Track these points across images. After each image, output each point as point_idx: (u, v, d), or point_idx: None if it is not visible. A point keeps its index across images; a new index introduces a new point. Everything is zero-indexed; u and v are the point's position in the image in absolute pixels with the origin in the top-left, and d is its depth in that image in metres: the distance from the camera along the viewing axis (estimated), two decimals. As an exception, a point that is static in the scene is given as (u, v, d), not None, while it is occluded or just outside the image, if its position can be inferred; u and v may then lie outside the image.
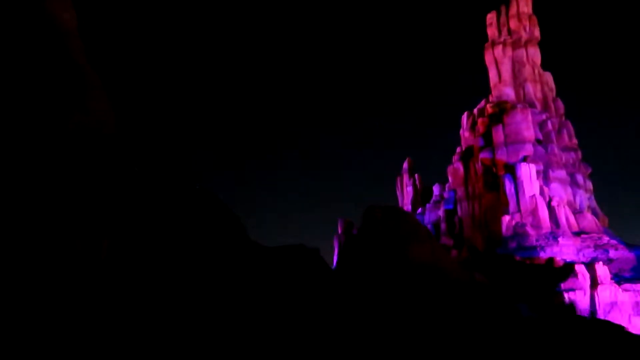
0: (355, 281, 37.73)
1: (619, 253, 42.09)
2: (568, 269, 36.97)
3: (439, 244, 35.20)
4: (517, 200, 46.05)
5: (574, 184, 50.00)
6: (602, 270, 36.03)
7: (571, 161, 51.91)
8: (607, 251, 42.31)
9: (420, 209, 61.05)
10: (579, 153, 53.28)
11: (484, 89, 60.57)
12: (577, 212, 47.35)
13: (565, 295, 34.62)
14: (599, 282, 35.34)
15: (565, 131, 53.56)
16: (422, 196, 70.23)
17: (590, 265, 36.55)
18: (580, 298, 34.66)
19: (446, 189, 62.65)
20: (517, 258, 42.56)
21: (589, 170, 54.11)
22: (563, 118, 55.71)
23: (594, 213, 49.02)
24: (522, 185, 46.00)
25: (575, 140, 53.67)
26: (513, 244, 43.89)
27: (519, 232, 44.33)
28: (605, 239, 43.85)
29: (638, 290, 36.56)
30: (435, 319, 26.90)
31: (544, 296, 36.10)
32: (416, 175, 71.81)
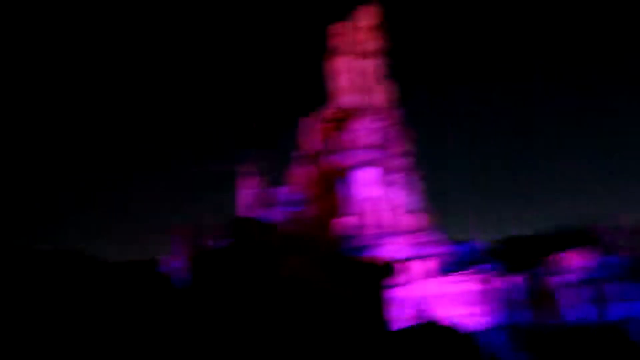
0: (218, 297, 34.85)
1: (445, 249, 44.29)
2: (400, 265, 37.58)
3: (310, 256, 33.62)
4: (354, 204, 46.55)
5: (407, 187, 52.08)
6: (431, 264, 37.22)
7: (405, 166, 54.20)
8: (435, 248, 44.25)
9: (262, 211, 59.63)
10: (413, 159, 55.92)
11: (326, 95, 61.62)
12: (409, 212, 49.16)
13: (396, 290, 34.92)
14: (428, 276, 36.35)
15: (401, 138, 55.92)
16: (264, 198, 69.07)
17: (420, 261, 37.53)
18: (410, 293, 35.25)
19: (287, 191, 62.14)
20: (354, 258, 42.62)
21: (421, 174, 56.94)
22: (401, 125, 58.26)
23: (424, 213, 51.31)
24: (361, 189, 46.78)
25: (411, 147, 56.28)
26: (349, 245, 44.00)
27: (355, 234, 44.64)
28: (433, 236, 45.95)
29: (460, 281, 38.32)
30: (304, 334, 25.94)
31: (376, 292, 36.13)
32: (259, 176, 70.67)
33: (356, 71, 58.55)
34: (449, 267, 41.73)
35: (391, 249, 42.95)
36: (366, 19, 60.58)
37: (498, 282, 38.62)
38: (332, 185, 50.26)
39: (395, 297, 34.96)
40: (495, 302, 37.74)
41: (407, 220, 47.95)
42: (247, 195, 67.13)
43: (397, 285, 35.64)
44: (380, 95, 58.42)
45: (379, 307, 34.42)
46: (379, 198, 47.30)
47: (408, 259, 38.59)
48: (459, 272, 39.46)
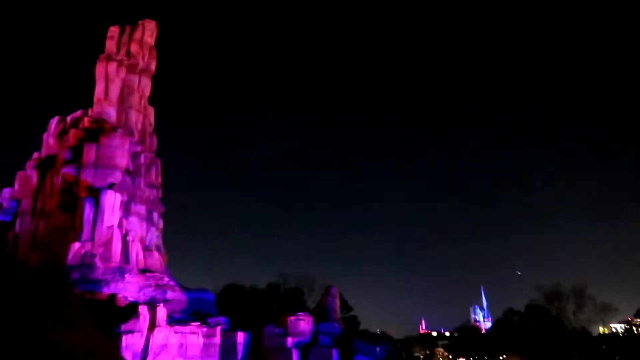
0: None
1: (175, 294, 44.34)
2: (131, 309, 36.02)
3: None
4: (92, 228, 42.78)
5: (149, 221, 50.65)
6: (161, 312, 36.76)
7: (152, 198, 52.71)
8: (165, 292, 43.92)
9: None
10: (160, 192, 54.83)
11: (86, 100, 55.91)
12: (146, 249, 47.78)
13: (124, 337, 33.29)
14: (157, 324, 35.78)
15: (154, 168, 54.39)
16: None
17: (151, 306, 36.71)
18: (137, 340, 34.02)
19: (7, 196, 53.14)
20: (78, 291, 38.84)
21: (163, 209, 56.11)
22: (154, 155, 56.63)
23: (159, 251, 50.52)
24: (103, 214, 43.27)
25: (160, 179, 55.11)
26: (77, 275, 40.04)
27: (86, 263, 40.95)
28: (166, 279, 45.59)
29: (185, 333, 38.86)
30: None
31: (105, 337, 33.72)
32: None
33: (121, 83, 55.07)
34: (177, 316, 41.95)
35: (124, 287, 40.85)
36: (145, 33, 58.15)
37: (222, 337, 40.66)
38: (71, 202, 45.08)
39: (125, 345, 33.32)
40: (217, 358, 39.53)
41: (144, 259, 46.43)
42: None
43: (127, 332, 34.03)
44: (139, 116, 56.03)
45: (114, 356, 32.24)
46: (122, 228, 44.69)
47: (142, 304, 37.35)
48: (186, 323, 40.07)
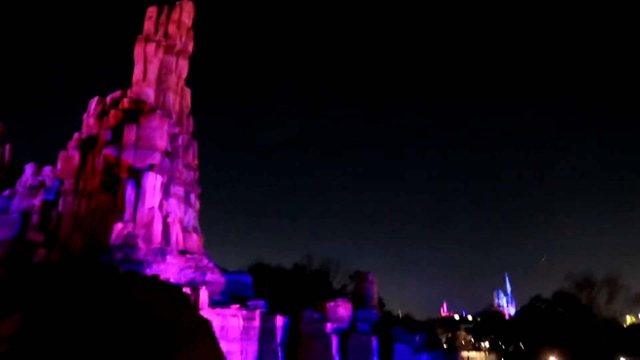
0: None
1: (214, 276, 44.68)
2: (174, 290, 36.32)
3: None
4: (134, 209, 43.18)
5: (187, 202, 50.92)
6: (204, 294, 37.07)
7: (189, 179, 52.96)
8: (205, 273, 44.27)
9: (8, 190, 50.04)
10: (197, 173, 55.07)
11: (123, 80, 56.12)
12: (185, 230, 48.13)
13: (169, 318, 33.58)
14: (200, 306, 36.11)
15: (191, 150, 54.58)
16: (8, 173, 58.47)
17: (194, 289, 37.05)
18: (181, 322, 34.28)
19: (49, 175, 54.04)
20: (122, 271, 39.35)
21: (199, 191, 56.43)
22: (191, 136, 56.78)
23: (196, 233, 50.89)
24: (145, 195, 43.59)
25: (196, 161, 55.33)
26: (120, 255, 40.50)
27: (129, 243, 41.37)
28: (205, 261, 45.93)
29: (226, 315, 39.23)
30: None
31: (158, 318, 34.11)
32: (7, 145, 59.52)
33: (159, 64, 55.02)
34: (216, 298, 42.34)
35: (165, 269, 41.31)
36: (182, 14, 57.87)
37: (262, 321, 40.98)
38: (112, 183, 45.53)
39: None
40: (257, 341, 39.90)
41: (183, 240, 46.84)
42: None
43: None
44: (177, 98, 56.08)
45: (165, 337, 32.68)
46: (162, 210, 45.06)
47: (185, 286, 37.73)
48: (226, 305, 40.40)
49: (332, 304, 42.50)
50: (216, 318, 37.63)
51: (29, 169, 57.78)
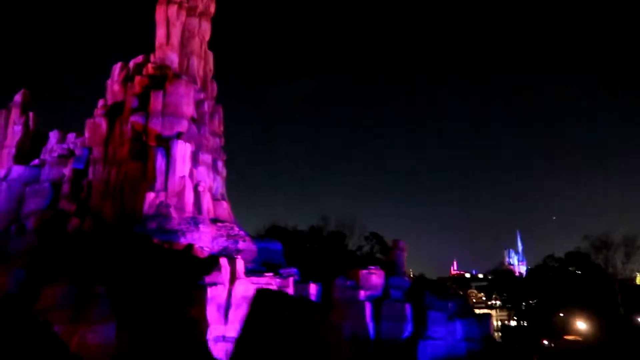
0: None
1: (246, 245, 44.90)
2: (211, 261, 36.60)
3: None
4: (165, 179, 43.02)
5: (215, 169, 50.65)
6: (240, 264, 37.28)
7: (216, 146, 52.52)
8: (237, 242, 44.48)
9: (37, 160, 49.98)
10: (223, 140, 54.53)
11: (146, 45, 54.90)
12: (214, 198, 48.09)
13: (209, 289, 34.00)
14: (237, 276, 36.39)
15: (217, 116, 53.83)
16: (32, 141, 58.25)
17: (230, 258, 37.22)
18: (220, 292, 34.73)
19: (73, 142, 53.81)
20: (156, 240, 39.63)
21: (225, 158, 56.01)
22: (215, 102, 55.93)
23: (225, 201, 50.83)
24: (175, 164, 43.30)
25: (222, 127, 54.67)
26: (153, 225, 40.60)
27: (162, 213, 41.38)
28: (236, 229, 46.07)
29: (261, 284, 39.54)
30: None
31: (186, 287, 34.59)
32: (31, 113, 59.03)
33: (182, 27, 53.65)
34: (249, 266, 42.58)
35: (199, 238, 41.48)
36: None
37: (295, 288, 41.36)
38: (141, 151, 45.24)
39: (210, 297, 34.15)
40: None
41: (213, 207, 46.86)
42: (14, 132, 55.34)
43: (211, 284, 34.77)
44: (201, 62, 54.93)
45: (198, 308, 33.20)
46: (193, 178, 44.88)
47: (222, 256, 37.93)
48: (260, 274, 40.70)
49: (364, 271, 42.71)
50: (251, 287, 37.94)
51: (53, 136, 57.57)
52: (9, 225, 44.22)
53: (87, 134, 47.56)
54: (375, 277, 42.58)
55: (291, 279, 41.76)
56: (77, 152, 46.71)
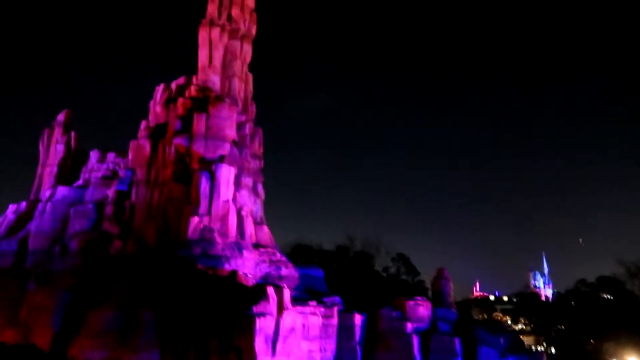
0: None
1: (288, 271, 44.13)
2: (258, 290, 35.86)
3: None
4: (209, 202, 42.66)
5: (255, 192, 50.28)
6: (287, 293, 36.48)
7: (255, 169, 52.20)
8: (280, 268, 43.76)
9: (81, 180, 50.14)
10: (262, 162, 54.18)
11: (186, 66, 55.15)
12: (256, 223, 47.59)
13: (257, 320, 33.19)
14: (285, 306, 35.58)
15: (257, 138, 53.61)
16: (74, 160, 58.60)
17: (277, 287, 36.45)
18: (269, 323, 33.90)
19: (113, 161, 53.99)
20: (200, 266, 39.13)
21: (263, 179, 55.56)
22: (254, 123, 55.70)
23: (265, 224, 50.22)
24: (219, 188, 42.94)
25: (262, 149, 54.36)
26: (197, 250, 40.11)
27: (206, 238, 40.89)
28: (278, 254, 45.39)
29: (306, 313, 38.68)
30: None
31: (233, 316, 33.89)
32: (72, 132, 59.49)
33: (224, 49, 53.74)
34: (292, 294, 41.76)
35: (243, 264, 40.87)
36: (246, -5, 56.09)
37: (340, 318, 40.39)
38: (184, 173, 45.02)
39: (258, 328, 33.33)
40: (335, 339, 39.39)
41: (255, 232, 46.33)
42: (56, 151, 55.76)
43: (259, 314, 33.97)
44: (242, 84, 54.85)
45: (246, 338, 32.42)
46: (236, 202, 44.47)
47: (263, 282, 37.21)
48: (305, 303, 39.84)
49: (411, 302, 41.47)
50: (298, 317, 37.12)
51: (93, 155, 57.83)
52: (53, 245, 44.17)
53: (130, 156, 47.59)
54: (423, 309, 41.36)
55: (335, 309, 40.83)
56: (121, 173, 46.70)
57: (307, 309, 38.87)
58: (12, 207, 48.62)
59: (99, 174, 56.78)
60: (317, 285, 45.25)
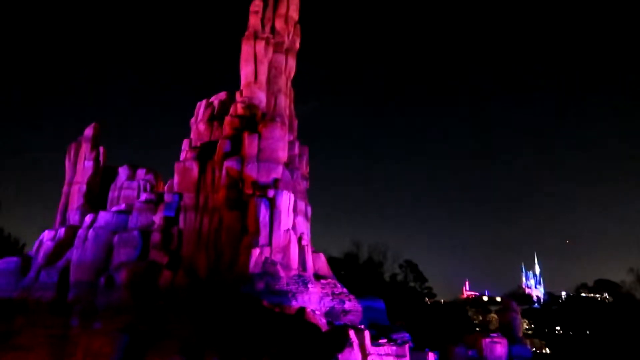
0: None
1: (352, 304, 41.41)
2: (338, 333, 33.13)
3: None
4: (270, 232, 39.76)
5: (306, 217, 47.43)
6: (367, 336, 33.86)
7: (304, 191, 49.37)
8: (343, 302, 41.00)
9: (124, 204, 46.77)
10: (308, 183, 51.33)
11: (228, 82, 52.08)
12: (313, 251, 44.77)
13: (343, 366, 30.46)
14: (367, 351, 32.95)
15: (304, 157, 50.78)
16: (103, 176, 55.33)
17: (357, 330, 33.78)
18: (354, 369, 31.22)
19: (143, 178, 50.87)
20: (265, 303, 36.20)
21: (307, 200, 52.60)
22: (299, 141, 52.73)
23: (321, 252, 47.33)
24: (280, 216, 40.05)
25: (308, 169, 51.53)
26: (261, 285, 37.16)
27: (269, 271, 37.96)
28: (339, 286, 42.55)
29: (381, 355, 36.06)
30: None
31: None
32: (101, 148, 56.26)
33: (269, 64, 50.81)
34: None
35: (307, 300, 38.07)
36: (290, 7, 53.27)
37: (411, 357, 37.87)
38: (237, 199, 41.98)
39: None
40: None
41: (314, 262, 43.49)
42: (85, 168, 52.50)
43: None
44: (287, 100, 51.99)
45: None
46: (296, 231, 41.62)
47: (351, 328, 34.24)
48: (377, 342, 37.18)
49: (487, 340, 39.07)
50: (376, 358, 34.54)
51: (122, 172, 54.78)
52: (97, 276, 40.84)
53: (176, 179, 44.35)
54: (500, 347, 38.96)
55: (407, 346, 38.23)
56: (167, 198, 43.40)
57: (381, 350, 36.19)
58: (49, 234, 45.13)
59: (129, 192, 53.72)
60: (380, 319, 42.60)
